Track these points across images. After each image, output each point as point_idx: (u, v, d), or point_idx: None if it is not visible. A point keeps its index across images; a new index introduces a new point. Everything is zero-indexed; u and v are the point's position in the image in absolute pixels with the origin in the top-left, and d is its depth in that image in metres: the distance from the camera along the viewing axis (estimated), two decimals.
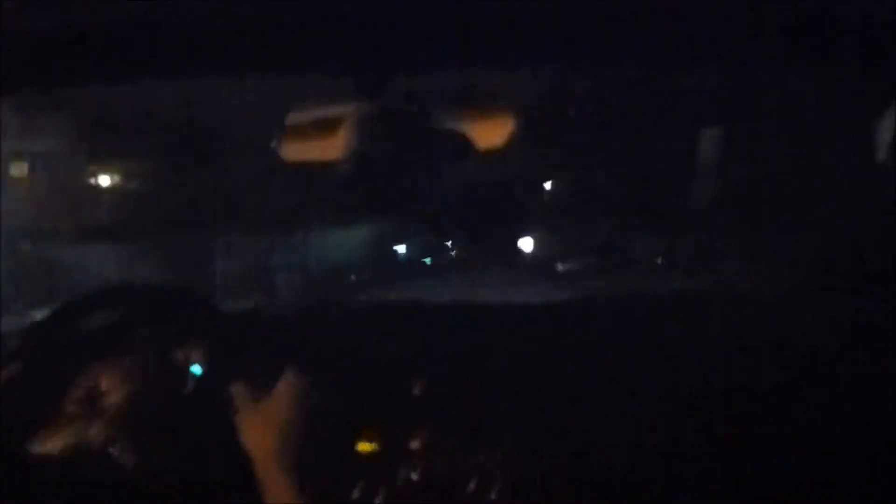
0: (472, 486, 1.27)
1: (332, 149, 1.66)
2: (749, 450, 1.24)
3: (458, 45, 1.38)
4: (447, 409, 1.32)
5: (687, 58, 1.38)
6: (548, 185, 2.20)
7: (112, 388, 1.27)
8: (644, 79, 1.80)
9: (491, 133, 1.72)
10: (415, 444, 1.31)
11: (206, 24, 1.28)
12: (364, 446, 1.32)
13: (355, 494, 1.27)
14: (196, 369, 1.26)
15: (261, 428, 1.29)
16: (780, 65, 1.57)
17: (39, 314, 1.36)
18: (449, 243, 2.10)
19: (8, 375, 1.24)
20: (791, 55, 1.33)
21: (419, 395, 1.35)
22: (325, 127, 1.69)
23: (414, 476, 1.28)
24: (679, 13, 1.22)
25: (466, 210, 1.82)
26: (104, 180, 2.28)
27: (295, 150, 1.70)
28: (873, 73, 1.33)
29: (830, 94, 1.60)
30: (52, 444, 1.20)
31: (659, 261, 2.22)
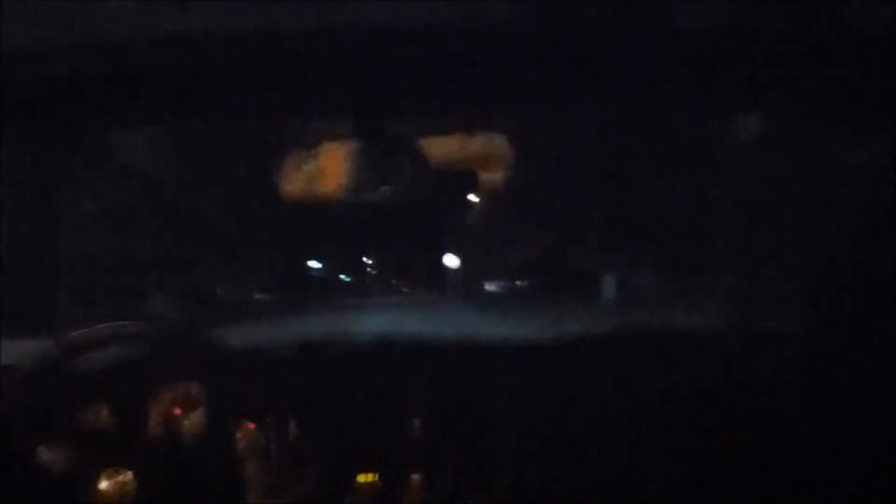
0: None
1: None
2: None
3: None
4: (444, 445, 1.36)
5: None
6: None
7: (112, 422, 1.29)
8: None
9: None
10: (414, 478, 1.34)
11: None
12: (364, 478, 1.36)
13: None
14: None
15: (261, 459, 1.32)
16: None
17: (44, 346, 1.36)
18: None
19: (11, 406, 1.25)
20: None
21: (417, 431, 1.38)
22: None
23: None
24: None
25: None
26: None
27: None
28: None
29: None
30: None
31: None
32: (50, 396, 1.26)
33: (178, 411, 1.31)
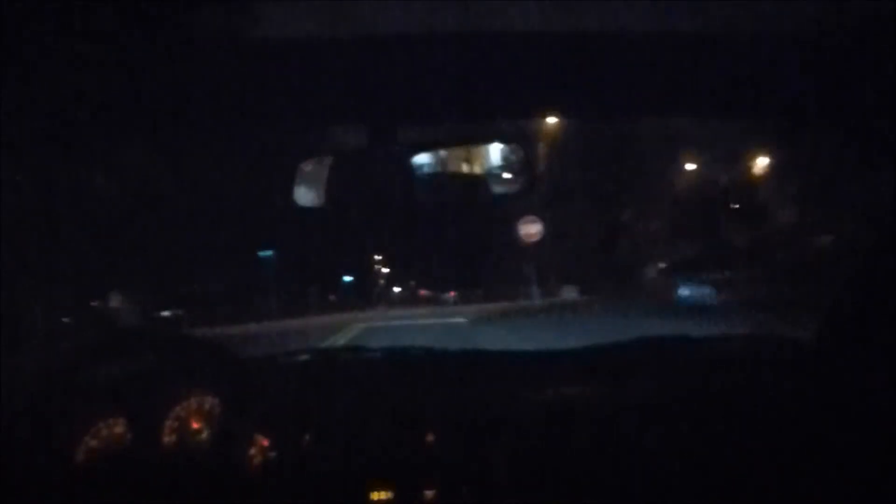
0: None
1: None
2: None
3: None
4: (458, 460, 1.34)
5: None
6: None
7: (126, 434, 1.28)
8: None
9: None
10: (428, 494, 1.32)
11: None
12: (377, 495, 1.33)
13: None
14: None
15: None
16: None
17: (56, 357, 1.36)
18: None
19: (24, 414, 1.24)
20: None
21: (433, 443, 1.36)
22: None
23: None
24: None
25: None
26: None
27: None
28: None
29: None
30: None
31: None
32: (60, 404, 1.25)
33: (195, 425, 1.30)
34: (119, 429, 1.28)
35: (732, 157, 19.89)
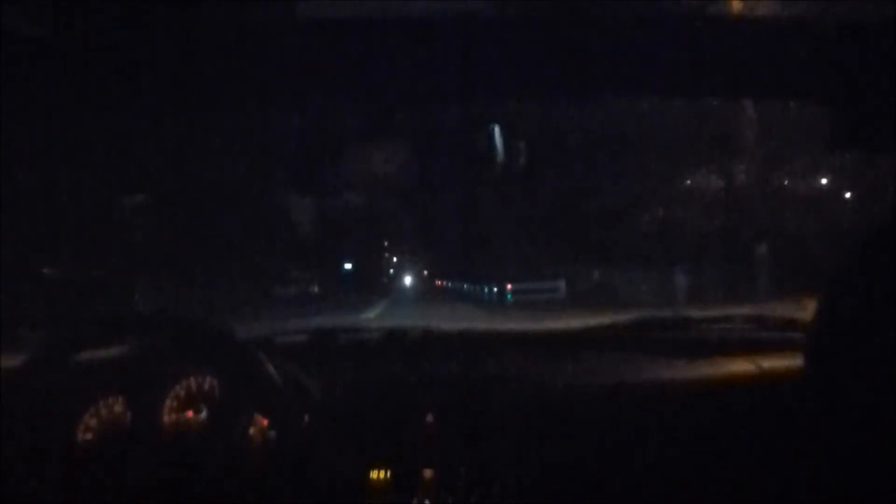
0: None
1: None
2: None
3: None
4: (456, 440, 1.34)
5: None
6: None
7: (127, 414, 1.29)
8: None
9: None
10: (426, 474, 1.33)
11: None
12: (376, 474, 1.34)
13: None
14: None
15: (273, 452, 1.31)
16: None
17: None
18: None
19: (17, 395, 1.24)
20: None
21: (432, 425, 1.36)
22: None
23: None
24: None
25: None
26: None
27: None
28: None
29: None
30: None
31: None
32: (59, 387, 1.25)
33: (194, 405, 1.31)
34: (118, 408, 1.29)
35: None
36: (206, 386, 1.33)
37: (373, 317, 7.08)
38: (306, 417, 1.33)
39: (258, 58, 1.34)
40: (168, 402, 1.30)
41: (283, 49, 1.33)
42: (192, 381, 1.33)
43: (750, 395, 1.34)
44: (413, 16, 1.25)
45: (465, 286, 9.08)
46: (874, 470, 1.12)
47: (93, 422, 1.27)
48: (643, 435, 1.33)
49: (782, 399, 1.29)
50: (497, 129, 1.70)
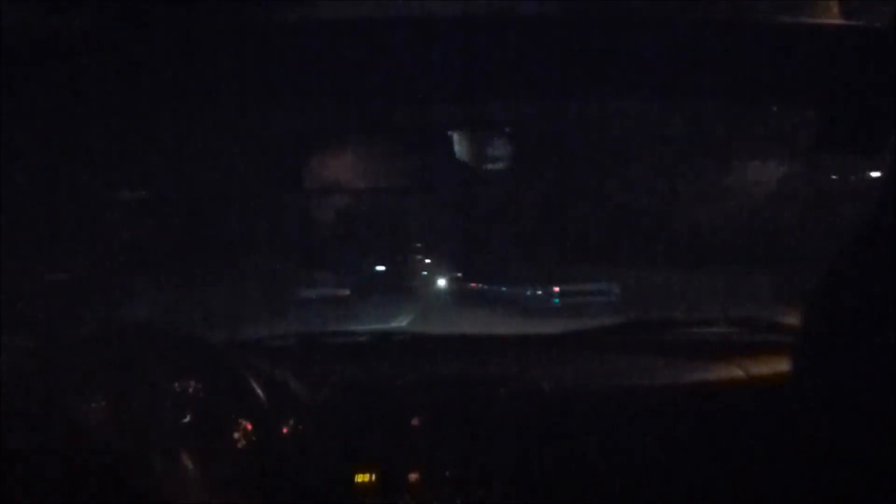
0: None
1: None
2: None
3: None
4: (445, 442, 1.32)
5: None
6: None
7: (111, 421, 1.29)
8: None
9: None
10: (413, 477, 1.31)
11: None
12: (362, 478, 1.33)
13: None
14: None
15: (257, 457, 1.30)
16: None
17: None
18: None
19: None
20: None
21: (418, 427, 1.35)
22: None
23: None
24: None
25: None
26: None
27: None
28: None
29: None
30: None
31: None
32: (47, 395, 1.26)
33: (179, 410, 1.30)
34: (101, 414, 1.30)
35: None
36: (190, 391, 1.33)
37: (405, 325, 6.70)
38: (291, 420, 1.32)
39: (262, 57, 1.34)
40: (153, 407, 1.31)
41: (291, 49, 1.33)
42: (177, 387, 1.33)
43: (744, 398, 1.30)
44: (413, 16, 1.24)
45: (503, 289, 8.43)
46: (867, 473, 1.08)
47: (74, 427, 1.28)
48: (637, 438, 1.30)
49: (777, 401, 1.25)
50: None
